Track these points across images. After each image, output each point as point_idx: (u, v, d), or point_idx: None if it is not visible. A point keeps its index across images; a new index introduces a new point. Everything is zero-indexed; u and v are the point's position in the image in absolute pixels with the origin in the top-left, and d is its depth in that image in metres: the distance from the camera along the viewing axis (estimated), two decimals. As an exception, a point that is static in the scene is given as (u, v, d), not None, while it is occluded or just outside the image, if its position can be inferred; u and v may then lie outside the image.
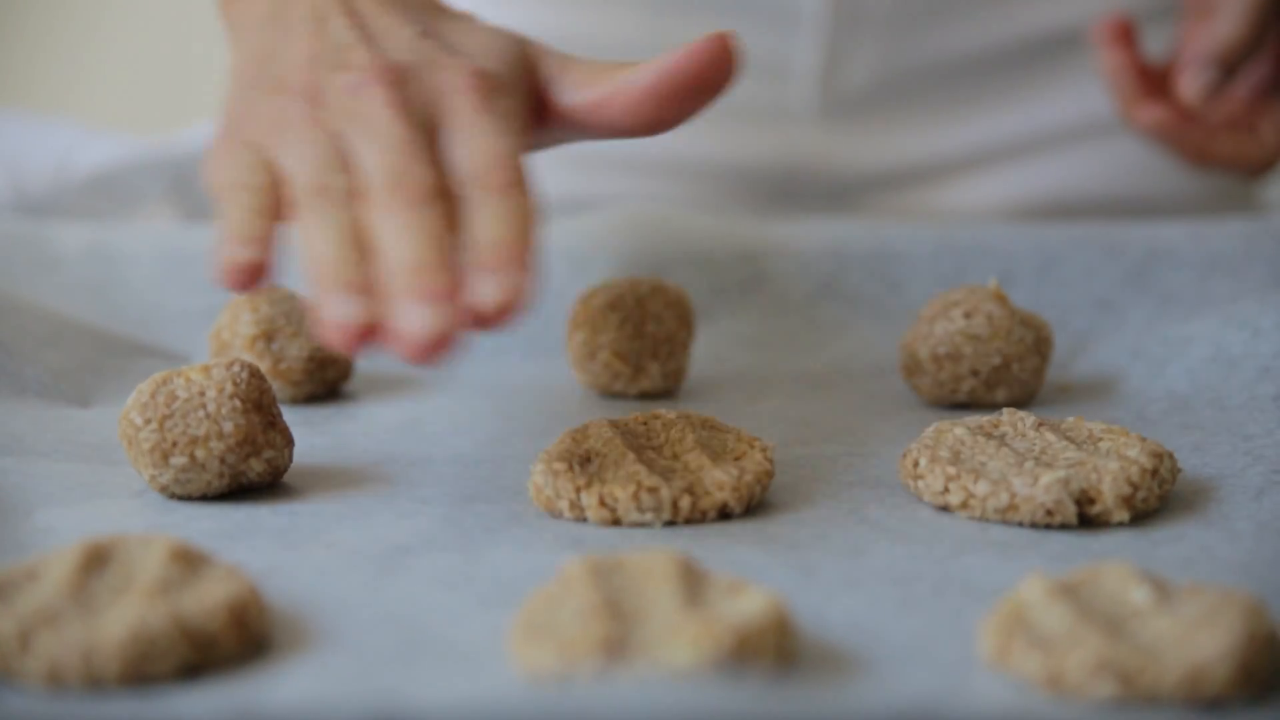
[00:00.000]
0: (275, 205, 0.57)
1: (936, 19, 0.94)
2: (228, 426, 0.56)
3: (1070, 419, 0.59)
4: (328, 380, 0.68)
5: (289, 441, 0.57)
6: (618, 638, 0.43)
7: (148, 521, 0.55)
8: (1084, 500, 0.54)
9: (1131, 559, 0.51)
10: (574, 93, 0.61)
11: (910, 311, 0.76)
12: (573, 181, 0.98)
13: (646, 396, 0.69)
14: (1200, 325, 0.70)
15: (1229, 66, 0.81)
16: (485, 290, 0.52)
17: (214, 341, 0.68)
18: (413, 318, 0.51)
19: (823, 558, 0.52)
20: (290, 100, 0.59)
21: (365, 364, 0.73)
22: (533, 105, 0.62)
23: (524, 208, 0.55)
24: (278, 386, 0.67)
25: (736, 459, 0.56)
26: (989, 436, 0.58)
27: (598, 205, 0.85)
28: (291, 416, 0.66)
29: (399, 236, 0.54)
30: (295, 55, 0.60)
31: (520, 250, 0.54)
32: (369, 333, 0.52)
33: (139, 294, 0.76)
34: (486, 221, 0.54)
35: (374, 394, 0.69)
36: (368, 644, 0.46)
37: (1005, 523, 0.54)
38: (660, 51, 0.60)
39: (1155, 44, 0.89)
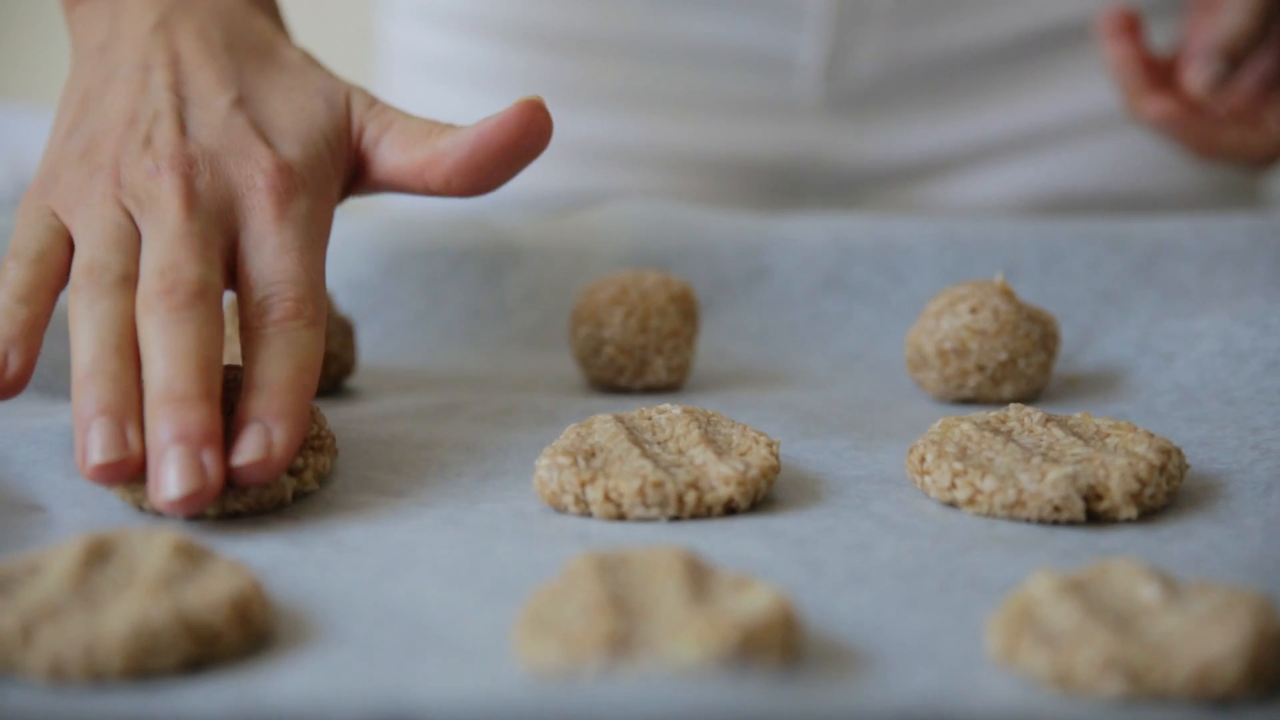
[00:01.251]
0: (54, 277, 0.57)
1: (940, 13, 0.94)
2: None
3: (1077, 414, 0.59)
4: (331, 375, 0.68)
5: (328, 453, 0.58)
6: (623, 634, 0.43)
7: (150, 517, 0.54)
8: (1092, 496, 0.54)
9: (1140, 556, 0.51)
10: (395, 156, 0.61)
11: (915, 305, 0.76)
12: (577, 175, 0.98)
13: (651, 391, 0.69)
14: (1208, 321, 0.70)
15: (1234, 59, 0.81)
16: (249, 446, 0.53)
17: None
18: (170, 472, 0.51)
19: (828, 553, 0.52)
20: (95, 173, 0.59)
21: (367, 360, 0.72)
22: (347, 174, 0.62)
23: (309, 342, 0.56)
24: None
25: (742, 454, 0.56)
26: (996, 432, 0.57)
27: (601, 199, 0.85)
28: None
29: (162, 350, 0.53)
30: (113, 114, 0.60)
31: (295, 400, 0.54)
32: (125, 469, 0.52)
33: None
34: (268, 359, 0.55)
35: (376, 389, 0.69)
36: (371, 640, 0.45)
37: (1012, 519, 0.54)
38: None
39: (1160, 38, 0.88)
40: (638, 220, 0.78)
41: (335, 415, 0.66)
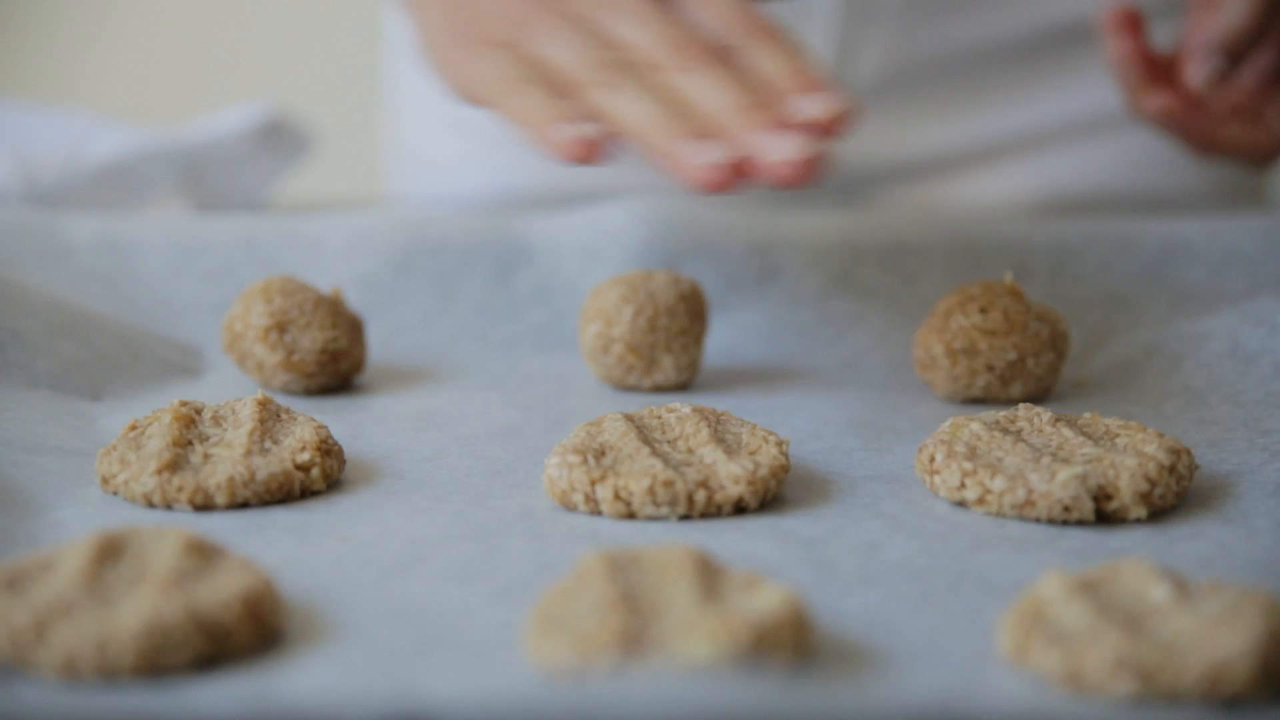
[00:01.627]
0: (562, 92, 0.60)
1: (948, 11, 0.93)
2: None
3: (1087, 414, 0.59)
4: (340, 372, 0.68)
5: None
6: (634, 632, 0.43)
7: (161, 515, 0.54)
8: (1101, 496, 0.54)
9: (1149, 556, 0.51)
10: None
11: (925, 305, 0.75)
12: (584, 172, 0.97)
13: (660, 390, 0.69)
14: (1216, 321, 0.70)
15: (1235, 54, 0.81)
16: (817, 108, 0.57)
17: (226, 333, 0.68)
18: (777, 144, 0.56)
19: (838, 553, 0.52)
20: (514, 3, 0.63)
21: (377, 357, 0.72)
22: None
23: (790, 44, 0.60)
24: (290, 378, 0.67)
25: (751, 453, 0.56)
26: (1005, 432, 0.57)
27: (610, 197, 0.84)
28: (304, 408, 0.66)
29: (707, 87, 0.58)
30: None
31: (816, 77, 0.59)
32: (739, 171, 0.57)
33: (149, 285, 0.76)
34: (768, 60, 0.59)
35: (386, 386, 0.69)
36: (382, 637, 0.45)
37: (1022, 518, 0.54)
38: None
39: (1162, 38, 0.88)
40: (648, 218, 0.78)
41: (344, 411, 0.66)
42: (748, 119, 0.58)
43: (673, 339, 0.68)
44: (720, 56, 0.60)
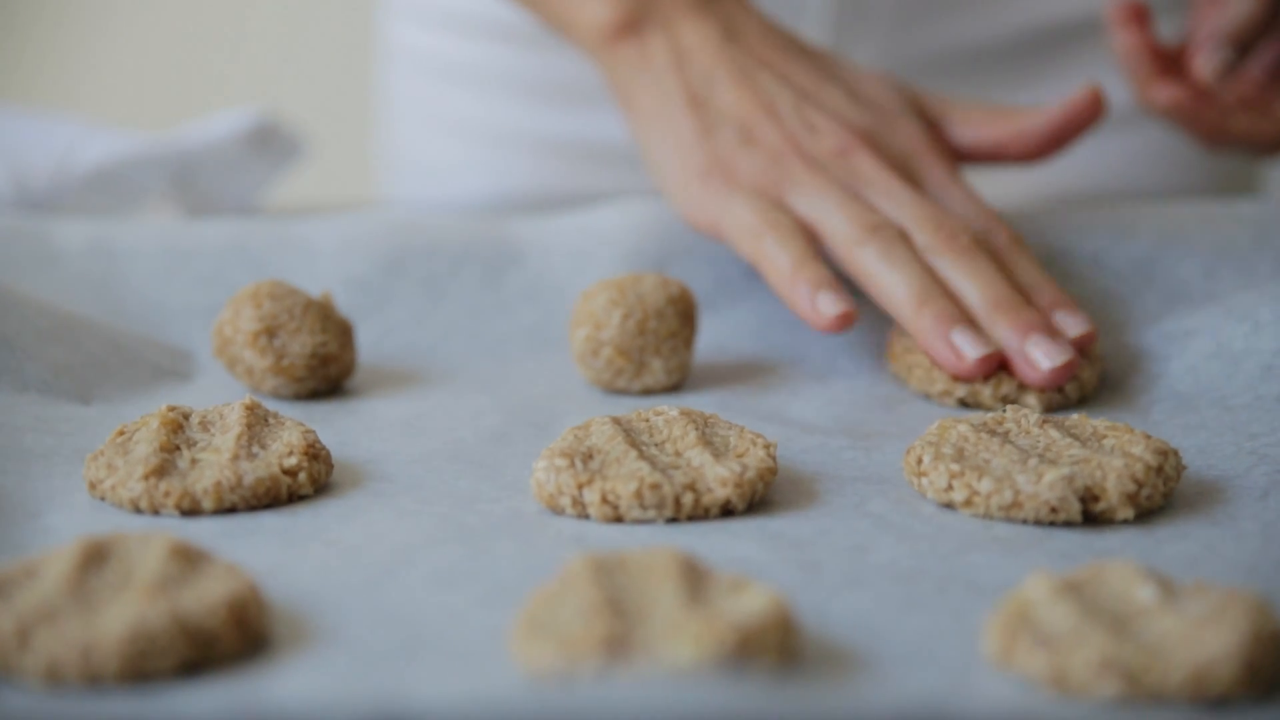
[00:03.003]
0: (812, 247, 0.67)
1: (941, 11, 0.93)
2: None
3: (1074, 416, 0.59)
4: (330, 377, 0.68)
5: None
6: (620, 636, 0.43)
7: (147, 521, 0.54)
8: (1088, 498, 0.54)
9: (1136, 557, 0.51)
10: (971, 131, 0.74)
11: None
12: (577, 172, 0.97)
13: (649, 392, 0.69)
14: (1201, 318, 0.70)
15: (1242, 46, 0.81)
16: (1074, 329, 0.66)
17: (216, 338, 0.68)
18: (1046, 350, 0.64)
19: (825, 555, 0.52)
20: (779, 156, 0.70)
21: (367, 360, 0.72)
22: None
23: (1035, 259, 0.68)
24: (280, 383, 0.67)
25: (739, 455, 0.56)
26: (993, 433, 0.57)
27: (602, 197, 0.84)
28: (293, 413, 0.66)
29: (974, 275, 0.65)
30: (742, 108, 0.71)
31: (1067, 295, 0.67)
32: (1002, 363, 0.64)
33: (140, 290, 0.76)
34: (1030, 276, 0.67)
35: (375, 390, 0.69)
36: (368, 642, 0.45)
37: (1009, 520, 0.54)
38: None
39: (1167, 33, 0.88)
40: (638, 221, 0.78)
41: (332, 416, 0.66)
42: (1017, 317, 0.64)
43: (661, 342, 0.68)
44: (984, 247, 0.67)
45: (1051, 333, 0.64)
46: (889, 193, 0.68)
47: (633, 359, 0.68)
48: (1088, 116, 0.73)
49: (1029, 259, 0.68)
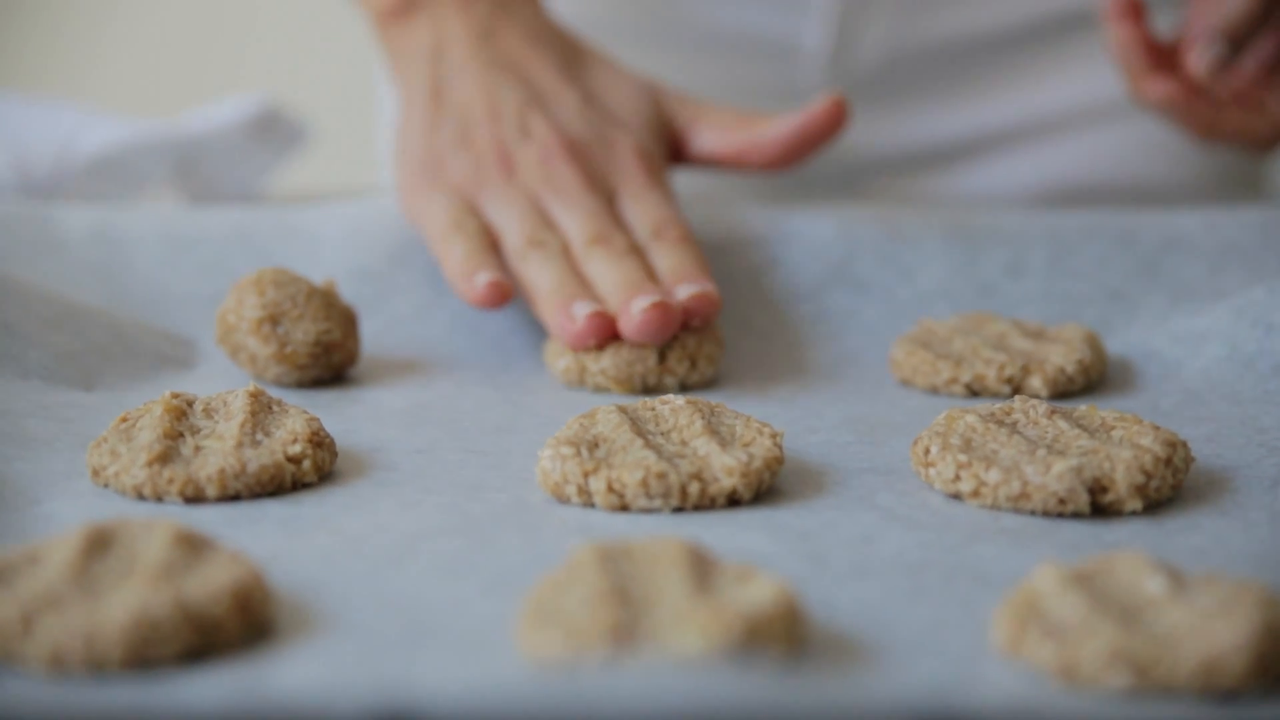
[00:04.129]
0: (491, 248, 0.69)
1: (943, 2, 0.93)
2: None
3: (1083, 407, 0.59)
4: (333, 365, 0.68)
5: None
6: (626, 625, 0.42)
7: (150, 508, 0.54)
8: (1097, 489, 0.54)
9: (1145, 549, 0.51)
10: (713, 140, 0.75)
11: (922, 298, 0.75)
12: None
13: (653, 391, 0.68)
14: (1212, 320, 0.69)
15: (1237, 41, 0.81)
16: (685, 292, 0.66)
17: (219, 325, 0.68)
18: (637, 304, 0.65)
19: (833, 545, 0.51)
20: (485, 160, 0.72)
21: (371, 348, 0.72)
22: (667, 153, 0.76)
23: (697, 253, 0.69)
24: (283, 370, 0.67)
25: (745, 445, 0.56)
26: (1001, 424, 0.57)
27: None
28: (296, 401, 0.65)
29: (609, 274, 0.67)
30: (474, 108, 0.73)
31: (704, 273, 0.68)
32: (608, 325, 0.66)
33: (143, 277, 0.76)
34: (672, 262, 0.68)
35: (379, 379, 0.69)
36: (372, 630, 0.45)
37: (1017, 511, 0.54)
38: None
39: (1163, 28, 0.88)
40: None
41: (337, 404, 0.65)
42: (630, 294, 0.66)
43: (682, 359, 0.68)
44: (634, 256, 0.68)
45: (666, 306, 0.65)
46: (572, 203, 0.70)
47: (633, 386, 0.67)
48: (827, 127, 0.74)
49: (687, 252, 0.69)
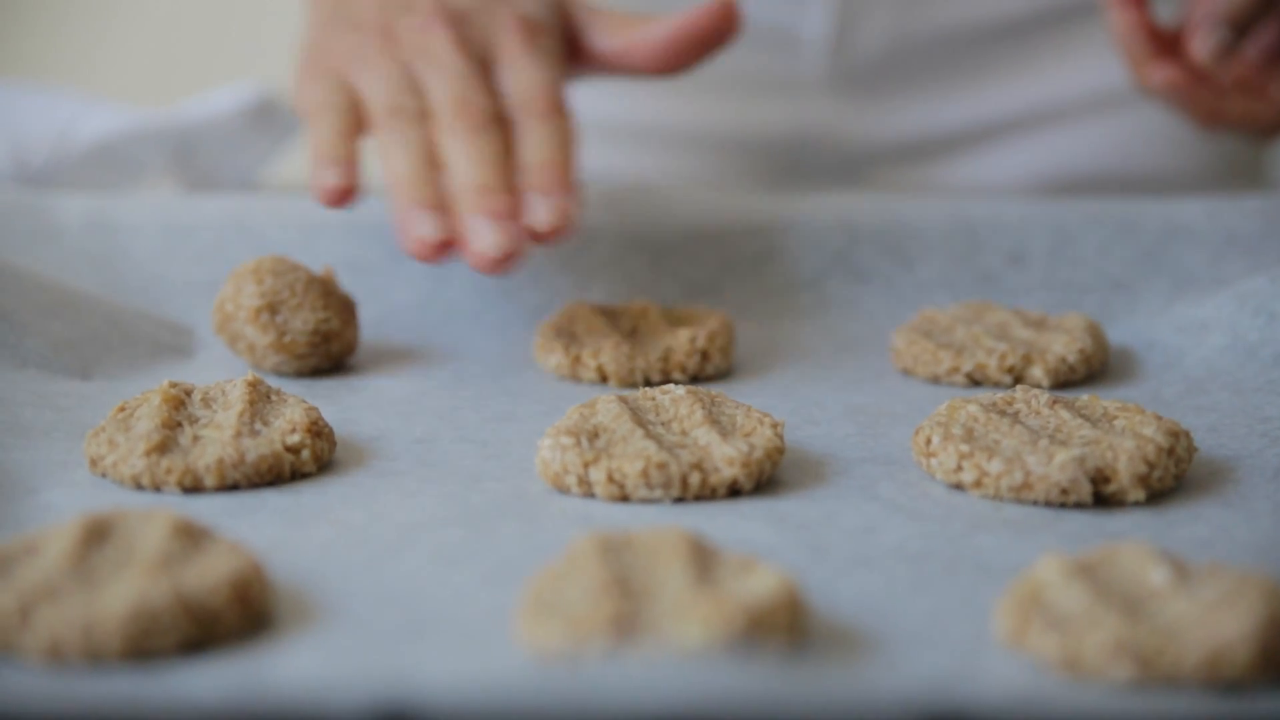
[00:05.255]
0: (357, 124, 0.68)
1: None
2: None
3: (1085, 397, 0.58)
4: (332, 354, 0.68)
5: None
6: (627, 615, 0.42)
7: (148, 498, 0.54)
8: (1099, 479, 0.53)
9: (1148, 539, 0.50)
10: (604, 40, 0.73)
11: (923, 287, 0.75)
12: (588, 155, 0.97)
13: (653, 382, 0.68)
14: (1215, 309, 0.69)
15: (1239, 27, 0.81)
16: (539, 214, 0.64)
17: (217, 314, 0.67)
18: (483, 235, 0.63)
19: (834, 536, 0.51)
20: (366, 36, 0.70)
21: (369, 339, 0.72)
22: (566, 47, 0.73)
23: (564, 130, 0.67)
24: (281, 359, 0.67)
25: (746, 435, 0.56)
26: (1003, 414, 0.57)
27: (605, 177, 0.84)
28: (295, 390, 0.65)
29: (465, 157, 0.65)
30: None
31: (564, 173, 0.66)
32: (445, 246, 0.64)
33: (141, 265, 0.76)
34: (535, 145, 0.66)
35: (379, 369, 0.69)
36: (372, 621, 0.45)
37: (1019, 501, 0.54)
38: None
39: (1165, 14, 0.88)
40: (644, 199, 0.78)
41: (336, 393, 0.65)
42: (479, 200, 0.64)
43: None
44: (496, 126, 0.67)
45: (508, 218, 0.64)
46: (440, 66, 0.69)
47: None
48: (711, 30, 0.72)
49: (553, 133, 0.67)
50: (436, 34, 0.69)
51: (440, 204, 0.65)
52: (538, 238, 0.64)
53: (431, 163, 0.66)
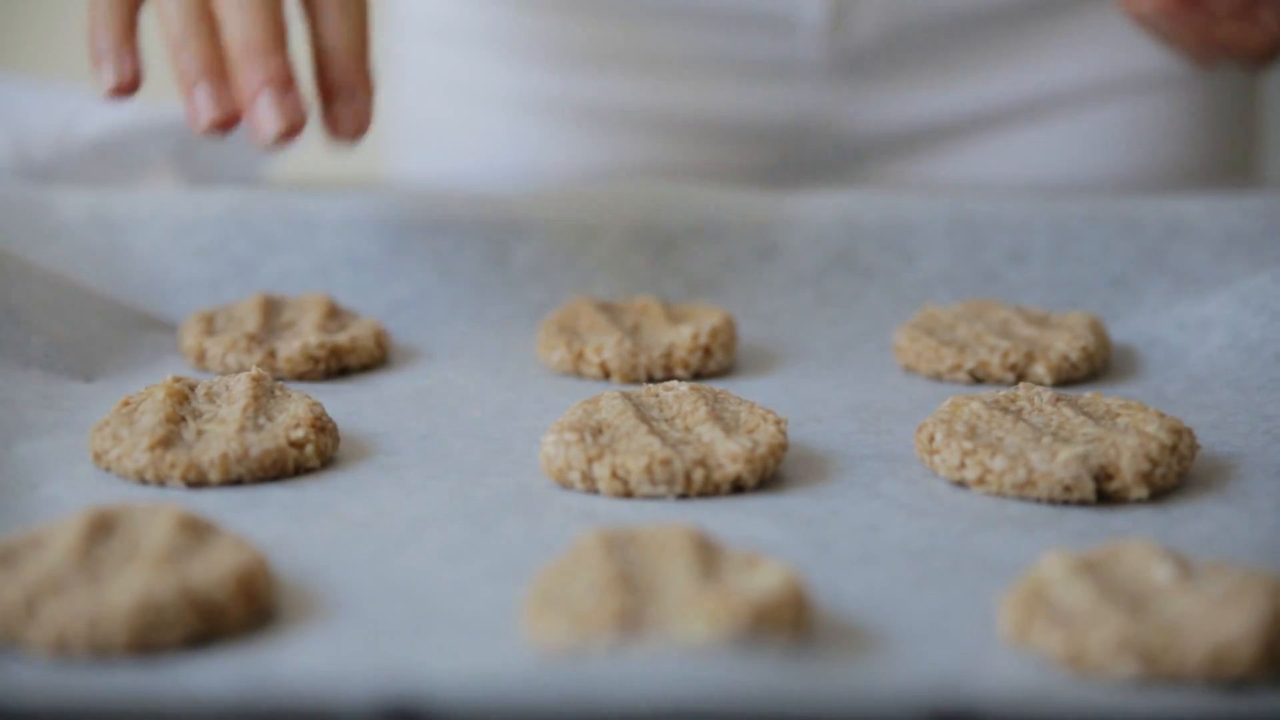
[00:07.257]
0: (130, 21, 0.67)
1: None
2: None
3: (1088, 394, 0.59)
4: (360, 367, 0.68)
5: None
6: (632, 611, 0.42)
7: (152, 492, 0.54)
8: (1102, 476, 0.53)
9: (1151, 536, 0.50)
10: None
11: (924, 285, 0.75)
12: (578, 140, 0.97)
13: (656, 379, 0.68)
14: (1216, 308, 0.69)
15: None
16: (343, 120, 0.66)
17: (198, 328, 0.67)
18: (264, 114, 0.64)
19: (838, 533, 0.51)
20: None
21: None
22: None
23: (361, 11, 0.67)
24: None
25: (749, 431, 0.56)
26: (1006, 411, 0.57)
27: (604, 166, 0.84)
28: (301, 386, 0.65)
29: (239, 9, 0.65)
30: None
31: (361, 63, 0.67)
32: (229, 122, 0.64)
33: (142, 261, 0.76)
34: (332, 27, 0.67)
35: (383, 366, 0.69)
36: (377, 616, 0.45)
37: (1022, 498, 0.54)
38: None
39: None
40: (646, 195, 0.78)
41: (340, 388, 0.65)
42: (253, 62, 0.64)
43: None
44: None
45: (284, 83, 0.64)
46: None
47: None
48: None
49: (350, 12, 0.67)
50: None
51: (217, 68, 0.65)
52: (339, 141, 0.66)
53: (203, 17, 0.65)
